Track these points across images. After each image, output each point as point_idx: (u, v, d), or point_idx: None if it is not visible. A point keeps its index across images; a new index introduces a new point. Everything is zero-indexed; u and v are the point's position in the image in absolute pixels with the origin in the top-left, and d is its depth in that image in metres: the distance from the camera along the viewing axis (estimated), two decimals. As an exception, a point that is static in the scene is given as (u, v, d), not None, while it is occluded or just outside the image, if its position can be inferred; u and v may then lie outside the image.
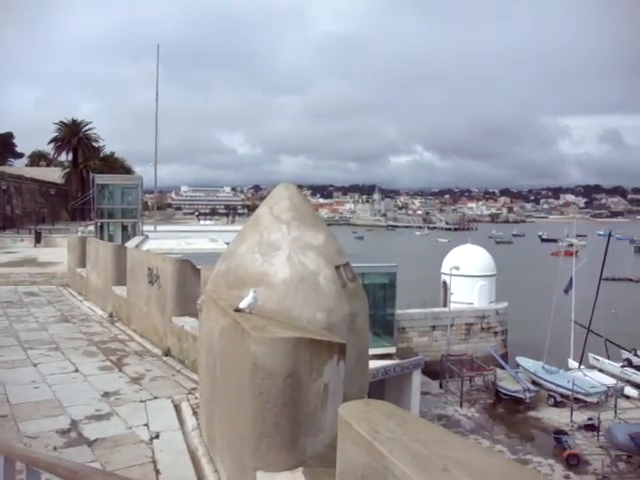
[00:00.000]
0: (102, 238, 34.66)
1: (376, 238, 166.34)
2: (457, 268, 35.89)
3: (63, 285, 20.97)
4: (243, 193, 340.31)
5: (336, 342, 4.53)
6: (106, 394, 7.97)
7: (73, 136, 76.15)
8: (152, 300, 11.64)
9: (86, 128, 79.28)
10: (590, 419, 26.49)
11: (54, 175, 73.47)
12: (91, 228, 41.65)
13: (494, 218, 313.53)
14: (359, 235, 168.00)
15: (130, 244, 24.67)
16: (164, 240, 33.23)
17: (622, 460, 22.73)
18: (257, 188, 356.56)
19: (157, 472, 5.60)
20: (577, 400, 28.57)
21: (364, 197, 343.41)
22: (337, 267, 5.55)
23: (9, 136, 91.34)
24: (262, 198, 7.52)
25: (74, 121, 78.51)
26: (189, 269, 10.71)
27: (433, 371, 32.10)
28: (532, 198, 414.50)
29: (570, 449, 23.33)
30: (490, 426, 27.13)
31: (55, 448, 6.03)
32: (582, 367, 34.13)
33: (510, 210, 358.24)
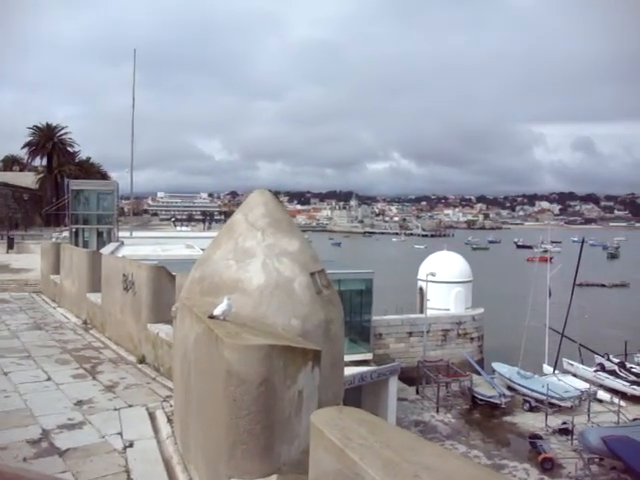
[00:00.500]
0: (77, 244, 34.28)
1: (353, 244, 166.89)
2: (433, 274, 36.10)
3: (36, 292, 20.65)
4: (220, 199, 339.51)
5: (310, 349, 4.53)
6: (79, 403, 7.85)
7: (47, 141, 75.26)
8: (127, 307, 11.53)
9: (61, 133, 78.49)
10: (564, 423, 26.79)
11: (28, 180, 72.44)
12: (66, 234, 41.15)
13: (470, 225, 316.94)
14: (336, 241, 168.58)
15: (105, 250, 24.45)
16: (140, 246, 32.94)
17: (595, 463, 23.02)
18: (234, 194, 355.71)
19: (130, 481, 5.54)
20: (552, 405, 28.89)
21: (341, 204, 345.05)
22: (312, 274, 5.56)
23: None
24: (239, 204, 7.51)
25: (49, 125, 77.62)
26: (164, 276, 10.63)
27: (410, 377, 32.20)
28: (508, 205, 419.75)
29: (545, 453, 23.56)
30: (466, 431, 27.27)
31: (25, 459, 5.92)
32: (556, 372, 34.52)
33: (486, 217, 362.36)
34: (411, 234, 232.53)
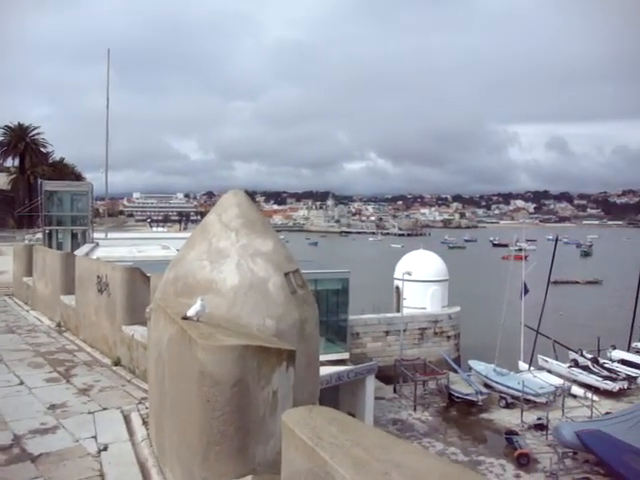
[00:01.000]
0: (51, 246, 33.81)
1: (330, 244, 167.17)
2: (409, 273, 36.31)
3: (8, 295, 20.29)
4: (196, 199, 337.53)
5: (285, 349, 4.54)
6: (52, 407, 7.73)
7: (20, 141, 74.04)
8: (101, 309, 11.41)
9: (33, 133, 77.25)
10: (539, 419, 27.20)
11: (-1, 181, 71.32)
12: (39, 236, 40.56)
13: (447, 224, 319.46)
14: (313, 241, 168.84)
15: (80, 252, 24.17)
16: (115, 248, 32.65)
17: (569, 457, 23.45)
18: (210, 194, 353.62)
19: (104, 485, 5.48)
20: (527, 401, 29.28)
21: (318, 203, 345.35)
22: (286, 274, 5.57)
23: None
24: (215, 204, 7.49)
25: (20, 125, 76.33)
26: (139, 277, 10.55)
27: (387, 376, 32.37)
28: (483, 204, 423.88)
29: (520, 449, 23.89)
30: (443, 429, 27.51)
31: (-5, 465, 5.83)
32: (532, 369, 34.99)
33: (462, 216, 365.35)
34: (388, 233, 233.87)
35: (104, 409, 7.67)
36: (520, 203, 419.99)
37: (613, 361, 36.72)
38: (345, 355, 28.64)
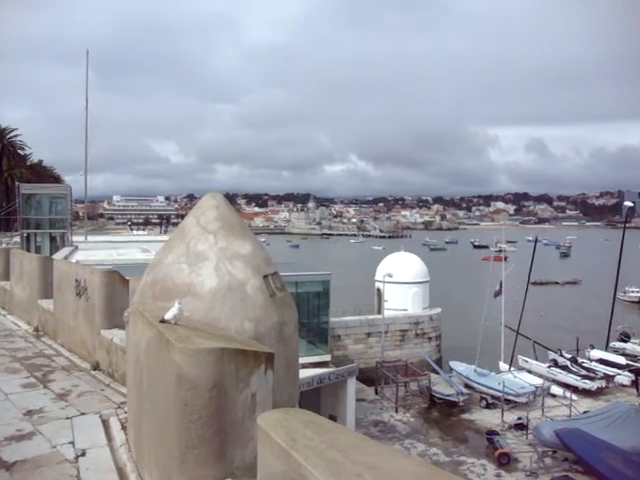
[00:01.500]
0: (29, 249, 33.36)
1: (311, 246, 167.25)
2: (390, 275, 36.45)
3: (-15, 299, 19.98)
4: (177, 202, 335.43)
5: (263, 351, 4.53)
6: (29, 412, 7.64)
7: (-4, 143, 73.04)
8: (80, 313, 11.29)
9: (11, 135, 76.26)
10: (519, 419, 27.45)
11: (-24, 184, 70.19)
12: (17, 239, 40.05)
13: (427, 225, 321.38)
14: (294, 244, 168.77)
15: (58, 255, 23.91)
16: (95, 251, 32.36)
17: (548, 456, 23.73)
18: (191, 197, 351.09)
19: (82, 491, 5.43)
20: (507, 401, 29.53)
21: (299, 206, 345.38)
22: (265, 276, 5.56)
23: None
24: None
25: (-3, 127, 75.35)
26: (118, 280, 10.46)
27: (369, 378, 32.47)
28: (464, 205, 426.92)
29: (501, 448, 24.10)
30: (425, 430, 27.64)
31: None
32: (512, 369, 35.29)
33: (443, 217, 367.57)
34: (369, 235, 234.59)
35: (82, 414, 7.59)
36: (500, 205, 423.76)
37: (591, 361, 37.23)
38: (326, 357, 28.62)
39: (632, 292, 68.45)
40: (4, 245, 32.75)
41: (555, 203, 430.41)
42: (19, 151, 77.47)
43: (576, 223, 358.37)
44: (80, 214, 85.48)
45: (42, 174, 78.47)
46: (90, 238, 46.06)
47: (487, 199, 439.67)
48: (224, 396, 4.17)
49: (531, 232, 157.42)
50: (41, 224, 38.33)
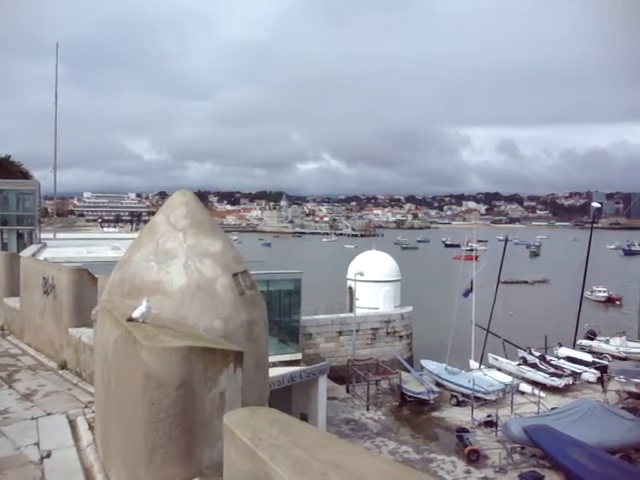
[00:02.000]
0: (-5, 246, 32.75)
1: (283, 245, 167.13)
2: (361, 274, 36.57)
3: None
4: (148, 199, 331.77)
5: (232, 350, 4.51)
6: (-7, 413, 7.50)
7: (-38, 138, 71.51)
8: (47, 311, 11.11)
9: (-23, 130, 74.67)
10: (489, 416, 27.77)
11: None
12: (-17, 236, 39.20)
13: (400, 224, 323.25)
14: (266, 242, 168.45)
15: (25, 253, 23.48)
16: (64, 248, 31.86)
17: (517, 452, 24.08)
18: (163, 195, 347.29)
19: (47, 493, 5.33)
20: (477, 399, 29.86)
21: (271, 204, 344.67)
22: (235, 274, 5.54)
23: None
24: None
25: (-37, 122, 73.71)
26: (86, 278, 10.32)
27: (340, 376, 32.53)
28: (436, 205, 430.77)
29: (471, 445, 24.37)
30: (396, 428, 27.81)
31: None
32: (482, 367, 35.71)
33: (415, 216, 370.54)
34: (341, 234, 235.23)
35: (48, 414, 7.47)
36: (472, 204, 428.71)
37: (559, 358, 37.88)
38: (298, 356, 28.66)
39: (599, 292, 69.85)
40: (-31, 242, 32.07)
41: (526, 203, 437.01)
42: (-15, 146, 75.93)
43: (546, 223, 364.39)
44: (49, 210, 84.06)
45: (10, 169, 76.81)
46: (59, 235, 45.33)
47: (459, 198, 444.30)
48: (192, 395, 4.14)
49: (502, 231, 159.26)
50: (8, 220, 37.70)
